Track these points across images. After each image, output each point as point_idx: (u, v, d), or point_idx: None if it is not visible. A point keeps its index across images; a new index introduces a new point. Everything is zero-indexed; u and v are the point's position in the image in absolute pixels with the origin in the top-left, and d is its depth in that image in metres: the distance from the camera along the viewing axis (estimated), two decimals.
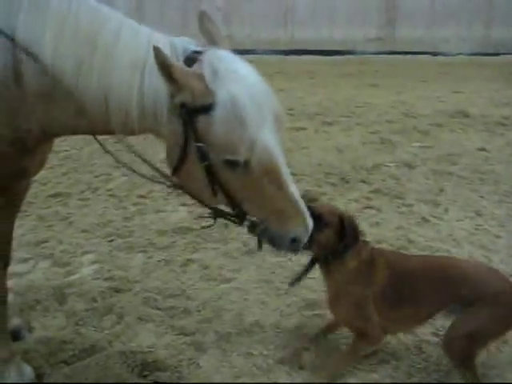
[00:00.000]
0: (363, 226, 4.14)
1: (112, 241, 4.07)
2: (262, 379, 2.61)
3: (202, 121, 1.87)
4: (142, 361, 2.74)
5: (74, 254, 3.87)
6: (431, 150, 6.00)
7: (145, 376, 2.66)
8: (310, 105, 8.27)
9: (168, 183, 2.22)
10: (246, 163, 1.90)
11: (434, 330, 2.91)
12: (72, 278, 3.56)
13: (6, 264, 2.58)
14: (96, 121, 1.99)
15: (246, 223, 2.14)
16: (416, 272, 2.58)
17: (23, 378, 2.56)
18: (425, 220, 4.32)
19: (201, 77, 1.85)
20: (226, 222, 4.13)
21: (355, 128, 6.94)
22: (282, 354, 2.78)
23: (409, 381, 2.58)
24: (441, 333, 2.79)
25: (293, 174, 5.53)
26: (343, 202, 4.65)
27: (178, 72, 1.80)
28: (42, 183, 5.08)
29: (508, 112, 7.41)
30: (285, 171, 2.01)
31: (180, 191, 2.23)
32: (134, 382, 2.59)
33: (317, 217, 2.35)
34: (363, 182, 5.14)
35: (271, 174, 1.96)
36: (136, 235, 4.14)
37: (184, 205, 4.66)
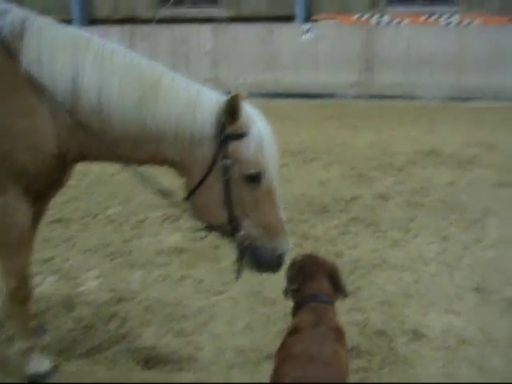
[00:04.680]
0: (341, 248, 4.63)
1: (113, 259, 4.46)
2: (251, 370, 3.01)
3: (233, 144, 2.55)
4: (146, 355, 3.13)
5: (79, 270, 4.25)
6: (405, 184, 6.48)
7: (150, 368, 3.04)
8: (292, 143, 8.72)
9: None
10: (260, 178, 2.57)
11: None
12: (79, 289, 3.94)
13: None
14: (136, 148, 2.60)
15: (237, 238, 2.67)
16: None
17: (42, 367, 2.92)
18: (397, 244, 4.77)
19: (244, 117, 2.58)
20: (218, 243, 4.59)
21: (335, 164, 7.42)
22: (268, 352, 3.18)
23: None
24: None
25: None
26: (323, 228, 5.10)
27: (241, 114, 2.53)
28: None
29: (477, 151, 7.94)
30: (277, 196, 2.68)
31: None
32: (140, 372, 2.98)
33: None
34: (342, 211, 5.59)
35: (271, 193, 2.63)
36: (135, 254, 4.54)
37: (178, 230, 5.07)
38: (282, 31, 13.03)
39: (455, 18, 12.87)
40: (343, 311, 3.60)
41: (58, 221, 5.28)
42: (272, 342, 3.27)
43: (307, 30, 12.90)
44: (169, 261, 4.41)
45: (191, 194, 2.66)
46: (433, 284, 4.04)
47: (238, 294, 3.88)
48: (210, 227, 2.77)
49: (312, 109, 11.83)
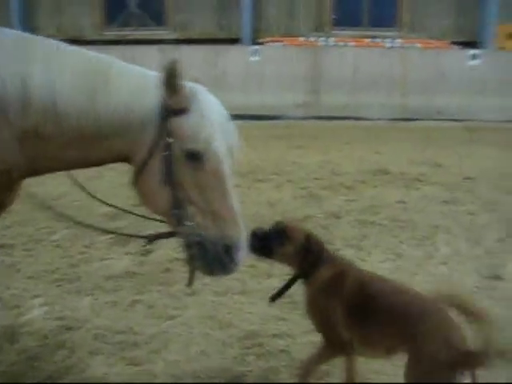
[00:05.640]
0: None
1: (60, 286, 4.26)
2: None
3: (174, 120, 2.40)
4: None
5: (23, 298, 4.03)
6: (355, 202, 6.52)
7: None
8: (242, 165, 8.67)
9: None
10: (202, 156, 2.38)
11: None
12: (23, 318, 3.73)
13: None
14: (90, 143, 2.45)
15: (184, 229, 2.45)
16: (382, 300, 2.61)
17: None
18: None
19: (185, 91, 2.42)
20: (169, 266, 4.44)
21: (285, 184, 7.41)
22: (226, 377, 3.07)
23: None
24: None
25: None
26: None
27: (180, 84, 2.38)
28: None
29: (424, 170, 8.11)
30: (230, 183, 2.45)
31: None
32: None
33: (281, 231, 2.74)
34: None
35: (219, 177, 2.41)
36: (83, 280, 4.34)
37: (127, 253, 4.89)
38: (229, 53, 13.06)
39: (398, 42, 13.24)
40: (300, 333, 3.55)
41: (0, 247, 5.03)
42: (229, 367, 3.17)
43: (254, 52, 12.97)
44: (118, 286, 4.24)
45: (136, 179, 2.50)
46: None
47: (191, 318, 3.75)
48: (158, 215, 2.59)
49: (260, 130, 11.82)
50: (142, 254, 4.85)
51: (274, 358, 3.27)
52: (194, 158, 2.39)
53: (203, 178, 2.41)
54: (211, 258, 2.46)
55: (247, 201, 6.53)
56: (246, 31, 13.57)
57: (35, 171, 2.55)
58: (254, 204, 6.40)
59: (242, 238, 2.47)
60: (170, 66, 2.33)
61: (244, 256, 2.50)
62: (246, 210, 6.13)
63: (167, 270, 4.51)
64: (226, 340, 3.47)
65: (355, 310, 2.63)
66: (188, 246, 2.50)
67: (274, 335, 3.52)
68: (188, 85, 2.45)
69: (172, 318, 3.77)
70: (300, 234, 2.78)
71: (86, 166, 2.61)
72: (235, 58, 13.06)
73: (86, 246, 5.07)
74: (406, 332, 2.45)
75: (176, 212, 2.45)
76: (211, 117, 2.44)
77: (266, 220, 5.76)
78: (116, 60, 2.55)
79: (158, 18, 14.30)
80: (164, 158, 2.41)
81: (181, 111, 2.40)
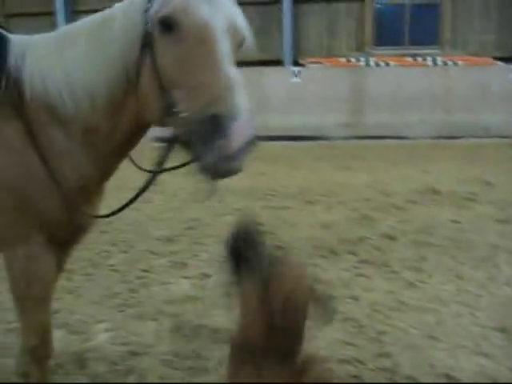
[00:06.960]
0: (357, 292, 4.51)
1: (122, 311, 4.29)
2: None
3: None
4: None
5: (88, 323, 4.07)
6: (408, 223, 6.42)
7: None
8: (290, 186, 8.66)
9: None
10: (178, 23, 1.98)
11: None
12: (89, 344, 3.76)
13: None
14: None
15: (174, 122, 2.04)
16: None
17: None
18: (412, 285, 4.66)
19: None
20: (230, 291, 4.43)
21: (336, 206, 7.36)
22: None
23: None
24: None
25: (283, 249, 5.78)
26: (335, 271, 4.99)
27: None
28: None
29: (472, 188, 7.95)
30: (222, 49, 2.01)
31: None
32: None
33: (268, 260, 1.94)
34: (350, 253, 5.48)
35: (204, 46, 1.99)
36: (145, 305, 4.37)
37: (186, 277, 4.92)
38: (271, 75, 13.14)
39: (440, 59, 13.15)
40: (369, 357, 3.49)
41: None
42: None
43: (295, 74, 13.03)
44: (181, 310, 4.25)
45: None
46: (456, 325, 3.93)
47: None
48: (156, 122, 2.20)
49: (303, 151, 11.85)
50: (201, 278, 4.87)
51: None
52: (170, 27, 2.00)
53: (184, 52, 1.99)
54: (200, 142, 1.95)
55: (300, 223, 6.52)
56: (286, 53, 13.66)
57: (108, 175, 2.49)
58: (308, 226, 6.37)
59: (238, 105, 1.96)
60: None
61: (246, 131, 1.96)
62: (301, 233, 6.15)
63: (228, 294, 4.49)
64: None
65: None
66: (183, 142, 2.07)
67: (342, 360, 3.46)
68: None
69: None
70: (295, 285, 1.88)
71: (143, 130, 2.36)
72: (277, 80, 13.14)
73: (143, 270, 5.11)
74: None
75: (162, 101, 2.05)
76: None
77: (322, 243, 5.76)
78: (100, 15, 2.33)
79: None
80: (145, 46, 2.08)
81: None
